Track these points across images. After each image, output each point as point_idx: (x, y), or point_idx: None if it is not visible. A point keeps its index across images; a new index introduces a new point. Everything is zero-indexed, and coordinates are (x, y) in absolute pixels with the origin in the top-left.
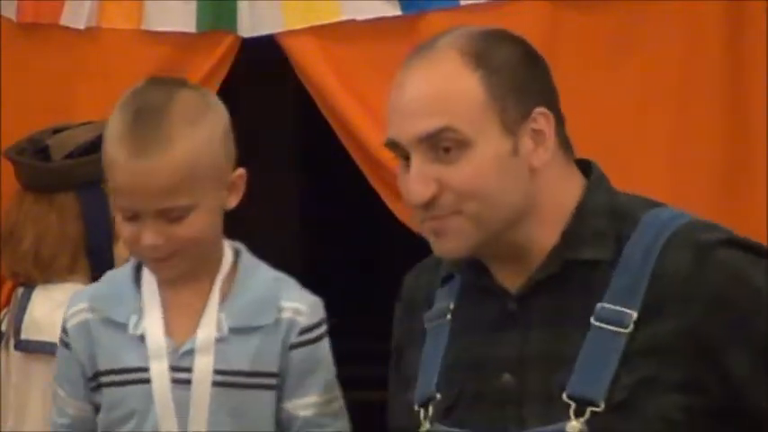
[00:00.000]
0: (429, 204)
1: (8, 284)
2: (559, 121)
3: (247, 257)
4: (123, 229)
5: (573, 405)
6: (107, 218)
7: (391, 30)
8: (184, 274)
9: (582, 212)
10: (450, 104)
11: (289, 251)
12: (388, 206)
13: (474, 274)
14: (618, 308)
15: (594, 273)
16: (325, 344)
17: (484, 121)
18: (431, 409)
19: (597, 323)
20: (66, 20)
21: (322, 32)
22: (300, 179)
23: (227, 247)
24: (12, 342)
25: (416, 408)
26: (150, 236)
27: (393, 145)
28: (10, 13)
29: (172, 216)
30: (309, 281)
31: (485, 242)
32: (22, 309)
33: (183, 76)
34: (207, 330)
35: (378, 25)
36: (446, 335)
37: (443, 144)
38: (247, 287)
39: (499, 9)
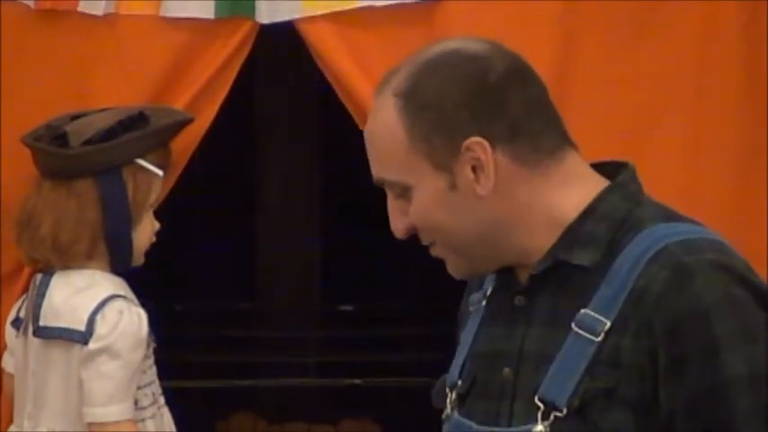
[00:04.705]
0: (415, 235)
1: (26, 271)
2: (517, 135)
3: None
4: None
5: (542, 407)
6: (125, 204)
7: (409, 16)
8: None
9: (586, 216)
10: (384, 156)
11: (309, 235)
12: None
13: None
14: (597, 316)
15: (586, 278)
16: None
17: (413, 164)
18: (453, 395)
19: (576, 329)
20: (84, 6)
21: (340, 19)
22: (319, 165)
23: None
24: (30, 328)
25: (447, 390)
26: None
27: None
28: None
29: None
30: (329, 263)
31: (475, 262)
32: (41, 295)
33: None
34: None
35: (396, 11)
36: (478, 321)
37: (393, 189)
38: None
39: None
